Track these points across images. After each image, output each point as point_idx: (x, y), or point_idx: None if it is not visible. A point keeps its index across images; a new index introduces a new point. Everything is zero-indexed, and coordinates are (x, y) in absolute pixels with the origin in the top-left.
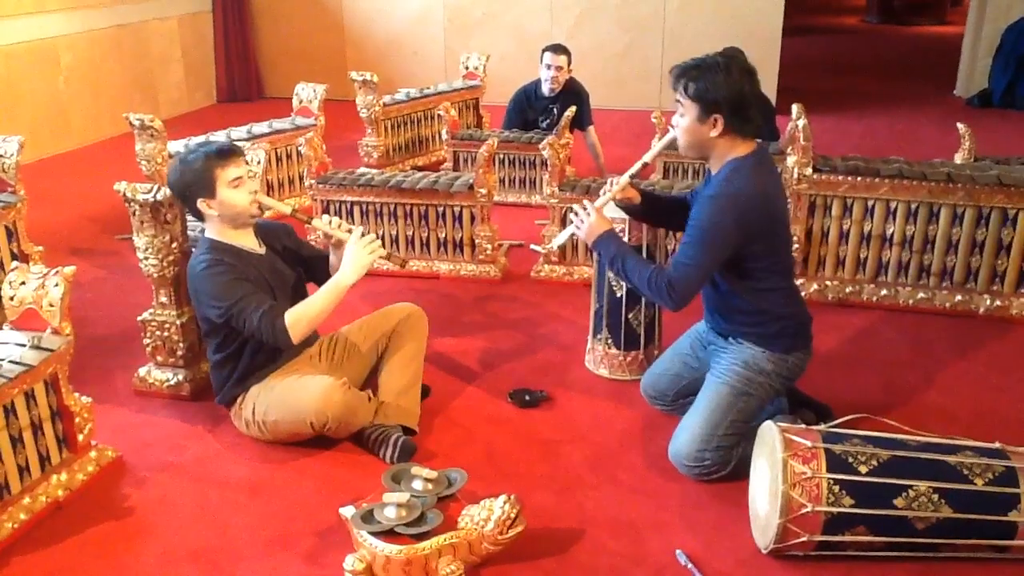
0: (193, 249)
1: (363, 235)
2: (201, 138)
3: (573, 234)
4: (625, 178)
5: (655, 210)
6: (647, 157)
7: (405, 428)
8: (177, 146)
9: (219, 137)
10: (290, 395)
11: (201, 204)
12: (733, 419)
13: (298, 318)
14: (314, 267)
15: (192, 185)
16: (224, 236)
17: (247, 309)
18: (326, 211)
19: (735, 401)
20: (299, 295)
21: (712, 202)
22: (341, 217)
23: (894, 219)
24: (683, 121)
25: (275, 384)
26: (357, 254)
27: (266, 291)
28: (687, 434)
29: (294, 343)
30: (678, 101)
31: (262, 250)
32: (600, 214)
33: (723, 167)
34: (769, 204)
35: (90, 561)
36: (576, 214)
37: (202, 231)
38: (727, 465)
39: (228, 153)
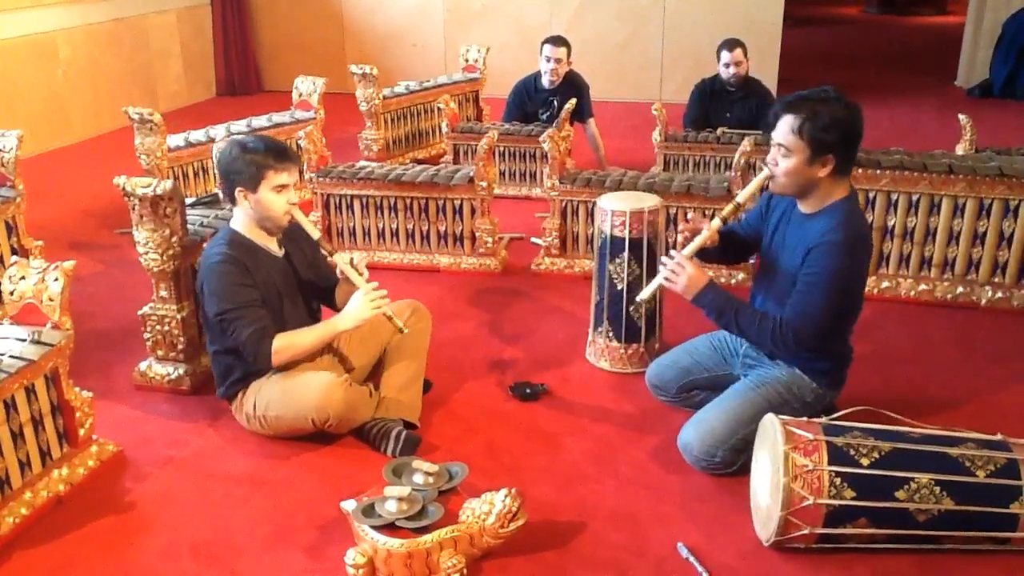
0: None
1: (375, 289)
2: (264, 118)
3: (662, 286)
4: (717, 222)
5: (727, 249)
6: (740, 198)
7: (406, 423)
8: (177, 140)
9: (219, 131)
10: (291, 391)
11: (239, 193)
12: (754, 429)
13: (285, 347)
14: (322, 281)
15: (239, 173)
16: (247, 231)
17: (241, 320)
18: (326, 206)
19: (762, 415)
20: (306, 301)
21: (837, 249)
22: (341, 211)
23: (895, 210)
24: (789, 163)
25: (277, 379)
26: (361, 307)
27: (274, 296)
28: (704, 427)
29: (273, 367)
30: (781, 145)
31: (280, 252)
32: (696, 266)
33: (829, 207)
34: (871, 246)
35: (91, 555)
36: (664, 264)
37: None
38: (734, 465)
39: (285, 158)
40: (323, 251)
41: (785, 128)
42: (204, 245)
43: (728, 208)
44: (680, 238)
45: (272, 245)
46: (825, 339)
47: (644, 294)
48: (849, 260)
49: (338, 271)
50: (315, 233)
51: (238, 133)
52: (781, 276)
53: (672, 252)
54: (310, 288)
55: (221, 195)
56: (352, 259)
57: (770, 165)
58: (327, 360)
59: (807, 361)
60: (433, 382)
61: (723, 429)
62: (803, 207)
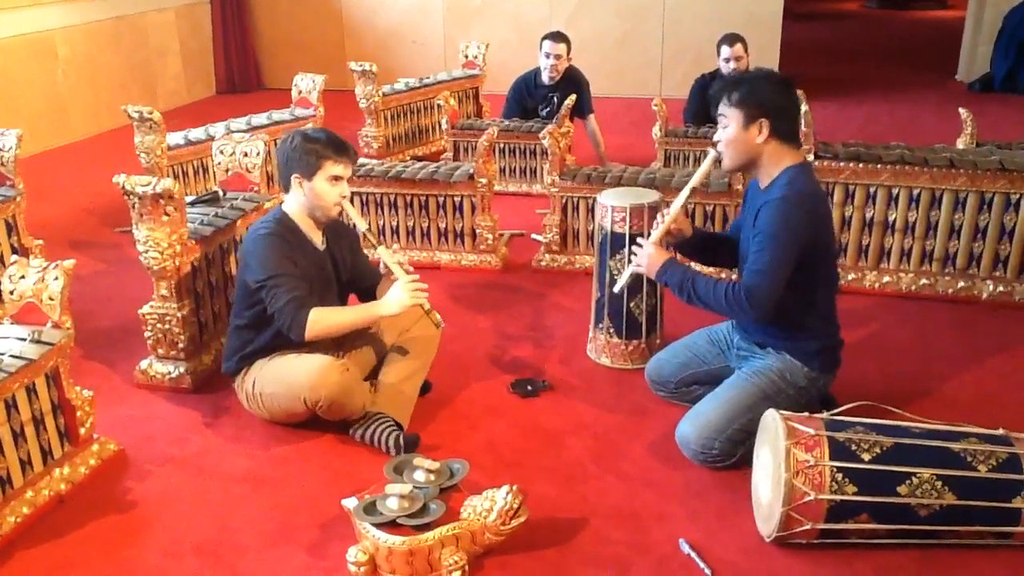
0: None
1: (416, 281)
2: (264, 116)
3: (633, 272)
4: (676, 207)
5: (705, 244)
6: (693, 182)
7: (397, 423)
8: (176, 138)
9: (218, 129)
10: (287, 370)
11: (295, 179)
12: (751, 418)
13: (320, 319)
14: (362, 281)
15: (298, 160)
16: (297, 217)
17: (282, 287)
18: None
19: (758, 403)
20: (336, 299)
21: (780, 204)
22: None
23: (896, 205)
24: (728, 132)
25: (277, 359)
26: (402, 294)
27: (306, 284)
28: (701, 420)
29: (305, 340)
30: (721, 115)
31: (322, 247)
32: (657, 246)
33: (779, 175)
34: (826, 208)
35: (93, 555)
36: (635, 253)
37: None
38: (732, 456)
39: (344, 151)
40: (369, 241)
41: (723, 102)
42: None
43: (684, 192)
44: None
45: (316, 238)
46: (794, 307)
47: (619, 284)
48: (796, 214)
49: (381, 265)
50: (363, 224)
51: (238, 131)
52: (742, 255)
53: (639, 239)
54: (347, 287)
55: (278, 183)
56: (395, 254)
57: (716, 141)
58: (332, 352)
59: (794, 343)
60: (432, 383)
61: (719, 420)
62: (760, 183)
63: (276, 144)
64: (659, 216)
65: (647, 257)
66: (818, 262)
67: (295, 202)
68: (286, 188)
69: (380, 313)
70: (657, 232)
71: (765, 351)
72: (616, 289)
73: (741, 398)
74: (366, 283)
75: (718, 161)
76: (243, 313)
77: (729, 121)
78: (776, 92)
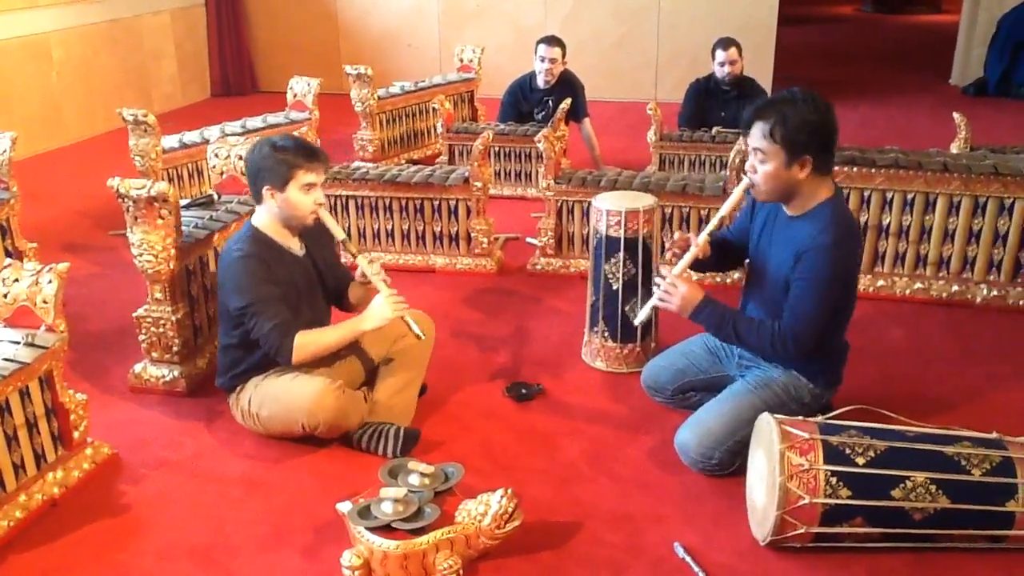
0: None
1: (396, 294)
2: (259, 119)
3: (657, 307)
4: (703, 236)
5: (720, 259)
6: (723, 211)
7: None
8: (171, 141)
9: (213, 132)
10: (284, 394)
11: (266, 192)
12: (752, 431)
13: (306, 344)
14: (339, 284)
15: (269, 171)
16: (269, 229)
17: (264, 314)
18: None
19: (759, 417)
20: (324, 302)
21: (830, 251)
22: (336, 212)
23: (890, 209)
24: (766, 168)
25: (274, 379)
26: (383, 308)
27: (292, 296)
28: (702, 429)
29: (293, 364)
30: (757, 149)
31: (301, 252)
32: (689, 283)
33: (815, 210)
34: (860, 242)
35: (86, 559)
36: (658, 285)
37: (249, 214)
38: (731, 466)
39: (314, 157)
40: (348, 252)
41: (758, 134)
42: (222, 241)
43: (713, 222)
44: (669, 255)
45: (293, 244)
46: (822, 339)
47: (640, 317)
48: (842, 260)
49: (357, 273)
50: (340, 233)
51: (233, 134)
52: (770, 281)
53: (663, 271)
54: (330, 288)
55: (250, 194)
56: (373, 263)
57: (749, 173)
58: (327, 360)
59: (803, 361)
60: (428, 386)
61: (721, 431)
62: (789, 210)
63: (250, 148)
64: (671, 243)
65: (680, 298)
66: (848, 294)
67: (267, 214)
68: (257, 200)
69: (364, 328)
70: (682, 264)
71: (772, 364)
72: (637, 322)
73: (744, 410)
74: (338, 284)
75: (749, 188)
76: (231, 332)
77: (769, 159)
78: (820, 126)
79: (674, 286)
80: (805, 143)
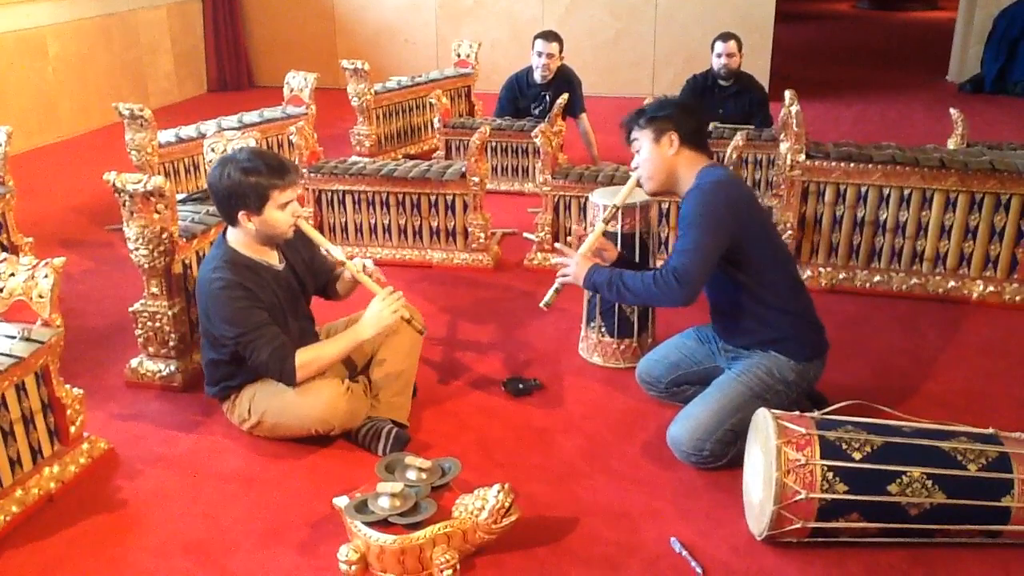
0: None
1: (391, 293)
2: (255, 114)
3: (562, 284)
4: (600, 226)
5: (635, 266)
6: (617, 201)
7: (395, 422)
8: (167, 136)
9: (210, 126)
10: (293, 405)
11: (242, 217)
12: (741, 418)
13: (308, 362)
14: (320, 280)
15: (242, 197)
16: (247, 248)
17: (260, 340)
18: (318, 201)
19: (748, 403)
20: (306, 310)
21: (695, 192)
22: (333, 207)
23: (887, 205)
24: (642, 153)
25: (272, 387)
26: (380, 313)
27: (278, 311)
28: (692, 422)
29: (298, 383)
30: (634, 140)
31: (281, 265)
32: (582, 256)
33: (695, 177)
34: (748, 192)
35: (82, 554)
36: (561, 266)
37: (223, 233)
38: (724, 457)
39: (286, 173)
40: (335, 260)
41: (632, 129)
42: (201, 255)
43: (608, 211)
44: (575, 239)
45: (272, 259)
46: (749, 302)
47: (547, 298)
48: (713, 198)
49: (347, 275)
50: (324, 243)
51: (229, 129)
52: None
53: (559, 247)
54: (310, 291)
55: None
56: (364, 265)
57: (633, 170)
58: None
59: (772, 338)
60: (424, 379)
61: (710, 422)
62: (679, 196)
63: (214, 173)
64: (589, 229)
65: (575, 266)
66: (754, 246)
67: (242, 234)
68: (231, 223)
69: (363, 337)
70: (584, 246)
71: (751, 351)
72: (543, 304)
73: (730, 399)
74: (324, 278)
75: (639, 184)
76: (219, 350)
77: (640, 144)
78: (676, 101)
79: (569, 259)
80: (666, 116)
